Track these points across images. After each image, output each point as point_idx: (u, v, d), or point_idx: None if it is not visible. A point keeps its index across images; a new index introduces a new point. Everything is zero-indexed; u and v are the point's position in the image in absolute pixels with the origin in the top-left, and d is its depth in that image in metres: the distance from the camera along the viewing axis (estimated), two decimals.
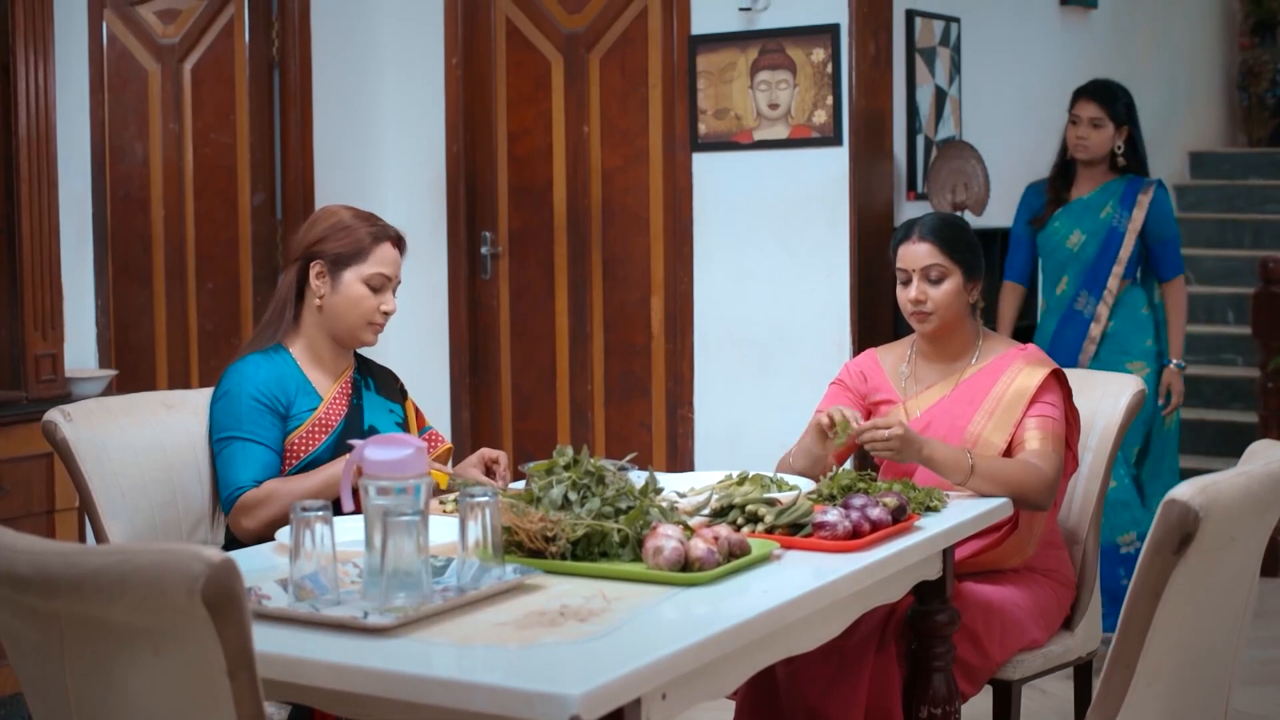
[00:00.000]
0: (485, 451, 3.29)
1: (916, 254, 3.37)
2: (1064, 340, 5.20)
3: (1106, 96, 5.18)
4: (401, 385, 3.46)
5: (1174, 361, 5.21)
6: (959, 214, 4.97)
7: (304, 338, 3.26)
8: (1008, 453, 3.29)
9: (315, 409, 3.21)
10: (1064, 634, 3.49)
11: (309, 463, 3.17)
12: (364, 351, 3.42)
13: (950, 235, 3.38)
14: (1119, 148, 5.18)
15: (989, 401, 3.31)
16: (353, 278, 3.21)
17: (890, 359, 3.51)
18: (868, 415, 3.45)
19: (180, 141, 5.76)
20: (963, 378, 3.39)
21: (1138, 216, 5.12)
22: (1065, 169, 5.27)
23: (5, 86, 4.70)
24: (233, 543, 3.15)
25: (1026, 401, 3.29)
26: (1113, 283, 5.16)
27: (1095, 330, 5.18)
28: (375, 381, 3.37)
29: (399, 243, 3.31)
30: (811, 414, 3.31)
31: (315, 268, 3.22)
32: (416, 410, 3.48)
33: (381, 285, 3.24)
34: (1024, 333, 5.42)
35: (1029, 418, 3.28)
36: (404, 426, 3.37)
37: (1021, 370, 3.33)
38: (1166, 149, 8.81)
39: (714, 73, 5.75)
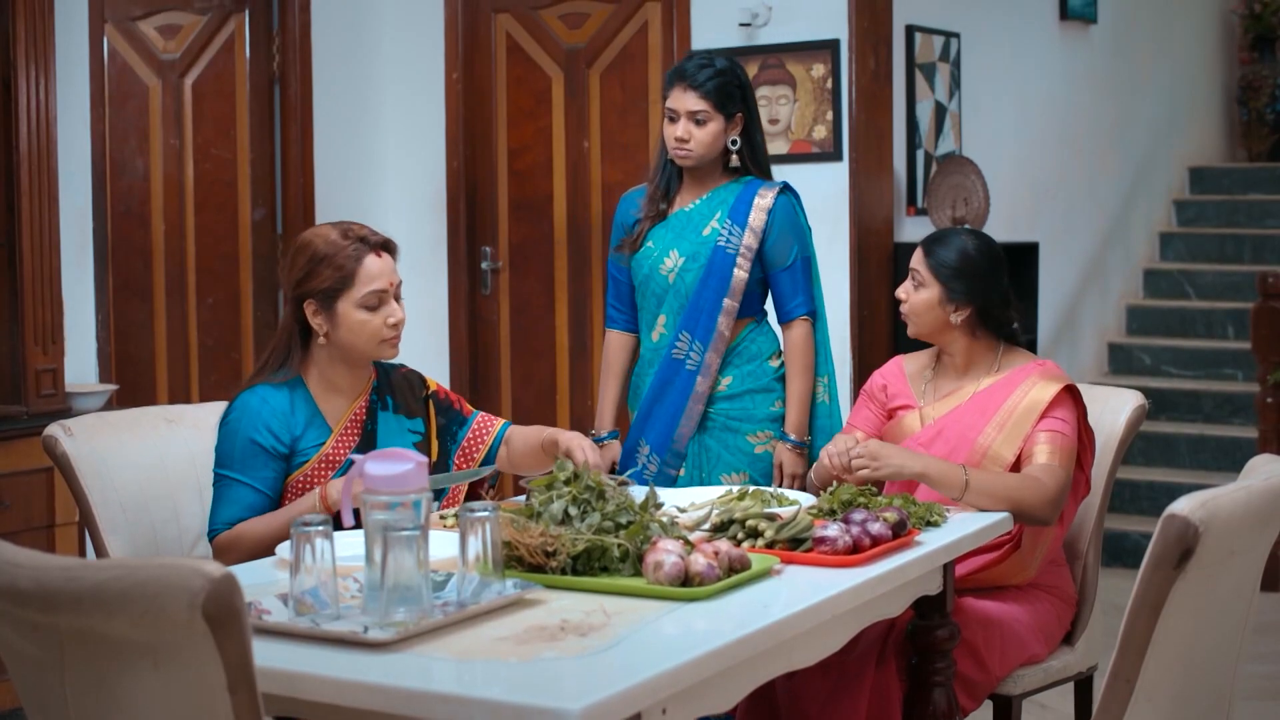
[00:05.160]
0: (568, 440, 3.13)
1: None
2: (664, 403, 3.86)
3: (711, 81, 3.77)
4: (426, 392, 3.33)
5: (791, 436, 3.83)
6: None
7: (317, 367, 3.16)
8: (1016, 466, 3.29)
9: (323, 444, 3.13)
10: (1064, 649, 3.49)
11: None
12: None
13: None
14: (733, 143, 3.83)
15: (1001, 414, 3.31)
16: (348, 307, 3.08)
17: (914, 366, 3.53)
18: (888, 420, 3.48)
19: (181, 156, 5.77)
20: (979, 388, 3.39)
21: (753, 232, 3.80)
22: (669, 173, 3.90)
23: (6, 101, 4.71)
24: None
25: (1037, 415, 3.28)
26: (723, 322, 3.80)
27: (702, 386, 3.81)
28: (394, 398, 3.26)
29: (384, 248, 3.14)
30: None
31: (309, 307, 3.10)
32: (454, 403, 3.35)
33: (379, 302, 3.10)
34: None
35: (1038, 431, 3.27)
36: (423, 444, 3.26)
37: (1036, 384, 3.32)
38: (1166, 164, 8.83)
39: None
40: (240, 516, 3.06)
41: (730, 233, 3.80)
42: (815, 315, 3.88)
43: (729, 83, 3.77)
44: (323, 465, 3.12)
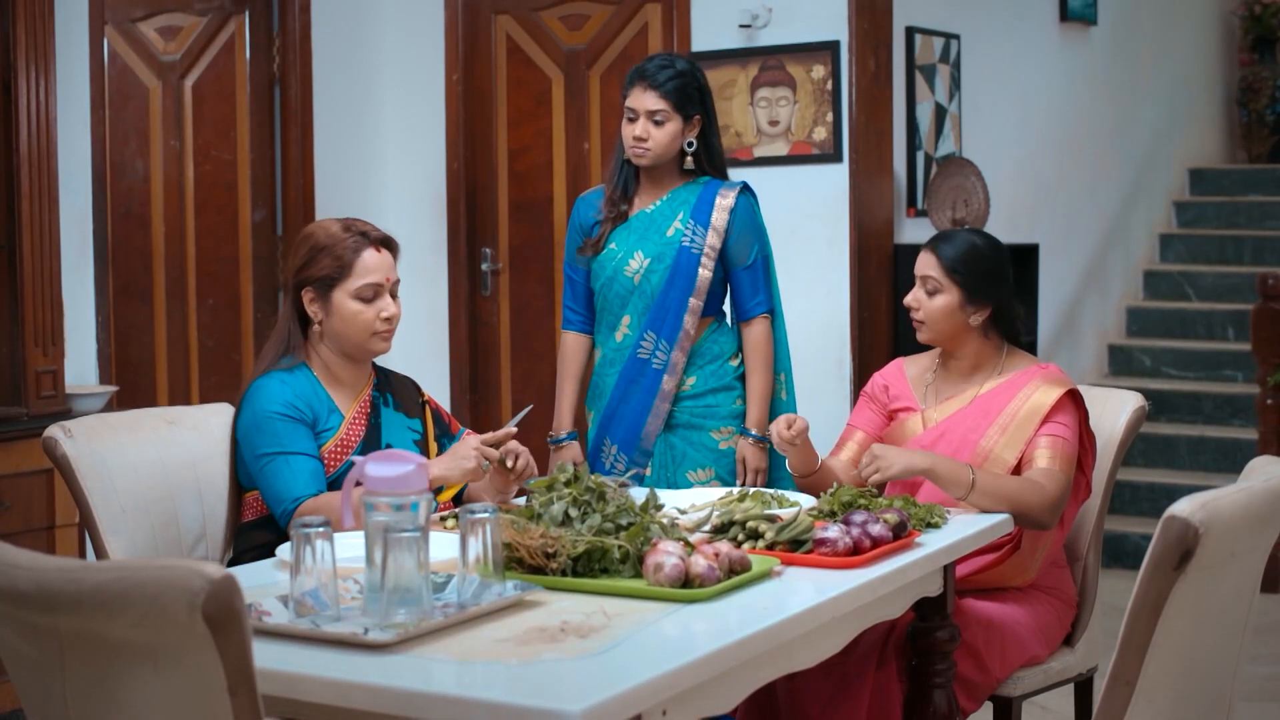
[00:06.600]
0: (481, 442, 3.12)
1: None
2: (630, 402, 3.90)
3: (671, 82, 3.81)
4: (422, 397, 3.41)
5: (753, 432, 3.88)
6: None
7: (319, 358, 3.22)
8: (1017, 470, 3.29)
9: (339, 427, 3.17)
10: (1064, 650, 3.49)
11: (331, 481, 3.13)
12: (383, 361, 3.39)
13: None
14: (689, 145, 3.87)
15: (1003, 417, 3.31)
16: (342, 296, 3.15)
17: (915, 368, 3.53)
18: (889, 421, 3.48)
19: (181, 158, 5.77)
20: (981, 391, 3.39)
21: (716, 232, 3.84)
22: (626, 175, 3.95)
23: (7, 103, 4.71)
24: (236, 560, 3.14)
25: (1039, 419, 3.28)
26: (689, 321, 3.85)
27: (669, 384, 3.86)
28: (394, 397, 3.32)
29: (384, 244, 3.20)
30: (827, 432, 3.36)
31: (306, 295, 3.17)
32: (444, 416, 3.40)
33: (374, 294, 3.16)
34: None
35: (1040, 435, 3.27)
36: (422, 442, 3.32)
37: (1039, 388, 3.32)
38: (1166, 165, 8.83)
39: (714, 89, 5.73)
40: (310, 486, 3.04)
41: (694, 233, 3.85)
42: (774, 313, 3.95)
43: (688, 84, 3.82)
44: (339, 448, 3.16)
